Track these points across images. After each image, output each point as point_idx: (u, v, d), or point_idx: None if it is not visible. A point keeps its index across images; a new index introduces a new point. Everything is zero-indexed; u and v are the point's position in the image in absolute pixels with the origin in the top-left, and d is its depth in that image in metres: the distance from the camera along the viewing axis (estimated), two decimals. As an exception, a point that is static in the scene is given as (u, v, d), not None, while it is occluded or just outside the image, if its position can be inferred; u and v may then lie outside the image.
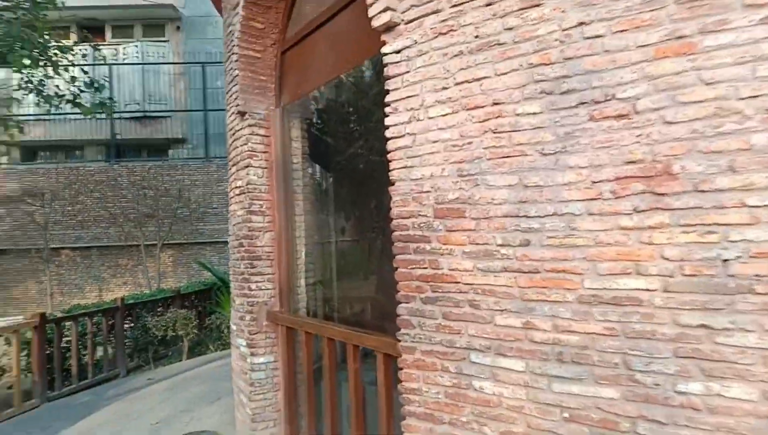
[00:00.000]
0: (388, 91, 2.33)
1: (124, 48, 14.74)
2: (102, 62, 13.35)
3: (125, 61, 14.49)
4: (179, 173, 13.23)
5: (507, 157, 1.96)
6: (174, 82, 14.73)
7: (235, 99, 3.76)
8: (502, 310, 1.98)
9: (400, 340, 2.29)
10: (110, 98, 10.04)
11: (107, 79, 12.76)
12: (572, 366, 1.82)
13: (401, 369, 2.28)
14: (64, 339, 6.66)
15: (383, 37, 2.35)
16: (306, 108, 3.89)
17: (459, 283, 2.09)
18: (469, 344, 2.06)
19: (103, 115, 10.07)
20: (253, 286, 3.71)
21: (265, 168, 3.77)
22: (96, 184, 13.12)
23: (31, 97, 10.19)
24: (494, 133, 1.99)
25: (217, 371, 6.86)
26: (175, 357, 8.46)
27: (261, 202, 3.75)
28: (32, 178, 13.26)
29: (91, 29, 13.73)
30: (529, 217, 1.90)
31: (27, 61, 8.47)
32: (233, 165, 4.00)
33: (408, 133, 2.25)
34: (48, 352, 6.24)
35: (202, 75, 14.26)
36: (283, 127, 3.77)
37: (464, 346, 2.08)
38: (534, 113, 1.90)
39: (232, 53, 3.76)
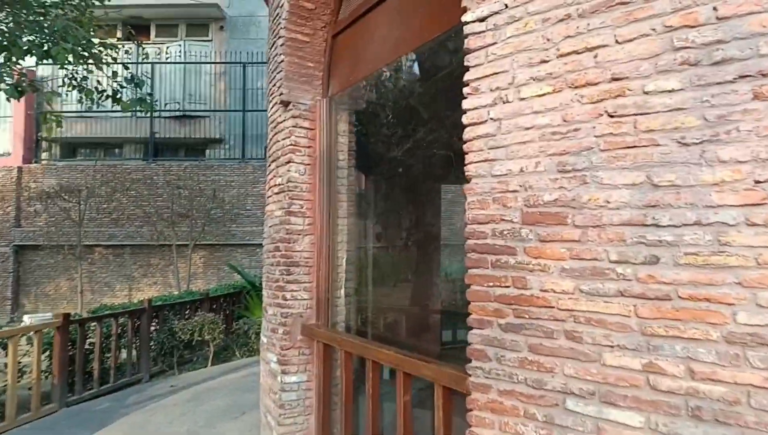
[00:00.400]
0: (467, 68, 1.91)
1: (167, 47, 14.72)
2: (144, 60, 13.34)
3: (168, 60, 14.45)
4: (215, 173, 13.05)
5: (630, 147, 1.51)
6: (214, 81, 14.63)
7: (279, 87, 3.40)
8: (613, 347, 1.52)
9: (469, 374, 1.85)
10: (149, 94, 9.90)
11: (148, 76, 12.69)
12: (714, 426, 1.35)
13: (470, 410, 1.84)
14: (88, 340, 6.39)
15: (464, 3, 1.93)
16: (355, 100, 3.51)
17: (553, 307, 1.65)
18: (565, 387, 1.61)
19: (142, 112, 9.93)
20: (289, 296, 3.32)
21: (308, 164, 3.39)
22: (132, 182, 13.04)
23: (74, 93, 10.14)
24: (612, 117, 1.55)
25: (243, 381, 6.50)
26: (200, 362, 8.16)
27: (302, 202, 3.37)
28: (70, 174, 13.26)
29: (136, 27, 13.76)
30: (660, 226, 1.45)
31: (70, 57, 8.36)
32: (273, 160, 3.63)
33: (491, 119, 1.83)
34: (70, 353, 5.97)
35: (242, 75, 14.10)
36: (330, 120, 3.39)
37: (558, 389, 1.62)
38: (671, 90, 1.45)
39: (278, 37, 3.40)
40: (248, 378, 6.52)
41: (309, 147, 3.40)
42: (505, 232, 1.77)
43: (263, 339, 3.68)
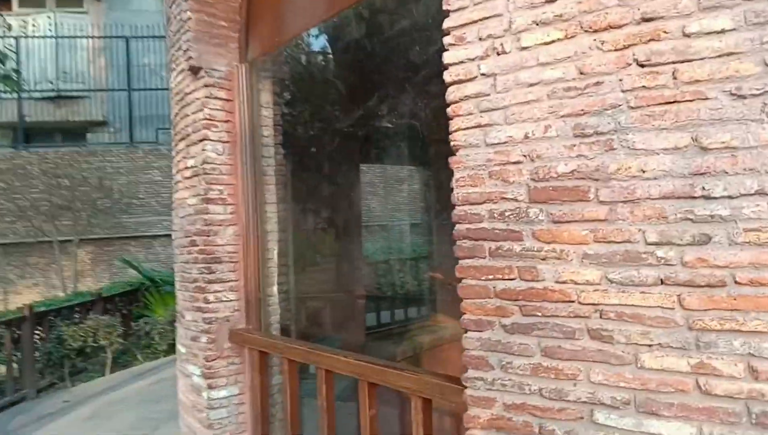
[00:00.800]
0: (447, 13, 1.56)
1: (34, 19, 12.96)
2: (7, 34, 11.65)
3: (35, 34, 12.73)
4: (100, 160, 11.75)
5: (669, 103, 1.24)
6: (93, 58, 13.12)
7: (186, 51, 2.86)
8: (652, 346, 1.26)
9: (466, 386, 1.54)
10: (16, 70, 8.59)
11: (13, 50, 11.08)
12: (784, 435, 1.13)
13: (469, 429, 1.53)
14: (-45, 360, 5.43)
15: (439, -67, 1.57)
16: (280, 66, 3.04)
17: (574, 302, 1.36)
18: (593, 397, 1.33)
19: (8, 92, 8.63)
20: (211, 298, 2.83)
21: (227, 142, 2.89)
22: (0, 173, 11.44)
23: None
24: (643, 66, 1.27)
25: (150, 390, 5.85)
26: (96, 371, 7.31)
27: (221, 187, 2.87)
28: None
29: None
30: (712, 198, 1.19)
31: None
32: (181, 139, 3.09)
33: (483, 74, 1.49)
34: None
35: (125, 51, 12.73)
36: (251, 90, 2.91)
37: (583, 400, 1.35)
38: (721, 31, 1.19)
39: (182, -10, 2.85)
40: (157, 385, 5.88)
41: (227, 121, 2.90)
42: (506, 214, 1.46)
43: (181, 349, 3.16)
